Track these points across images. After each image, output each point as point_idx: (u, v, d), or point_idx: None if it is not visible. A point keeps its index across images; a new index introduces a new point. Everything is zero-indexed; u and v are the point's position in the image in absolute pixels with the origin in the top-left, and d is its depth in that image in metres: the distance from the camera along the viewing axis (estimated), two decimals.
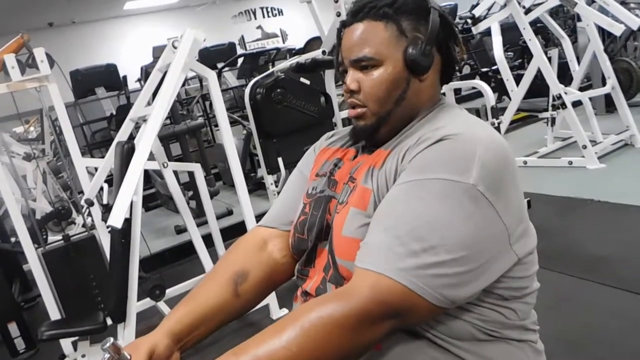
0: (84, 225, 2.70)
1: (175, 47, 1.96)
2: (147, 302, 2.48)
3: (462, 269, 0.69)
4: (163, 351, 0.83)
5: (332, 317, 0.68)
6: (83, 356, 2.01)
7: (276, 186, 2.50)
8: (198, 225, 2.63)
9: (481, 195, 0.70)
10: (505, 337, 0.79)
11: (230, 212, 4.02)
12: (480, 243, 0.70)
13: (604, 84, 4.06)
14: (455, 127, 0.77)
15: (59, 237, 2.44)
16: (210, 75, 2.12)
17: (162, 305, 2.50)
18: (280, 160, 2.44)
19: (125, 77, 5.63)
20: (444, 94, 0.95)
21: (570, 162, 3.61)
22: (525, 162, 3.80)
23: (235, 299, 0.92)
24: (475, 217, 0.70)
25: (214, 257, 2.67)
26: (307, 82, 2.45)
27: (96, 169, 2.44)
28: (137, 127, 2.33)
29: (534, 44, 3.56)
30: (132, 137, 2.26)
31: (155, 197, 4.69)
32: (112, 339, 0.74)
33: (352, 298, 0.68)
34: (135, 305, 1.92)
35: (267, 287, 0.97)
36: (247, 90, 2.39)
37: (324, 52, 2.44)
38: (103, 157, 3.80)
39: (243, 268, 0.94)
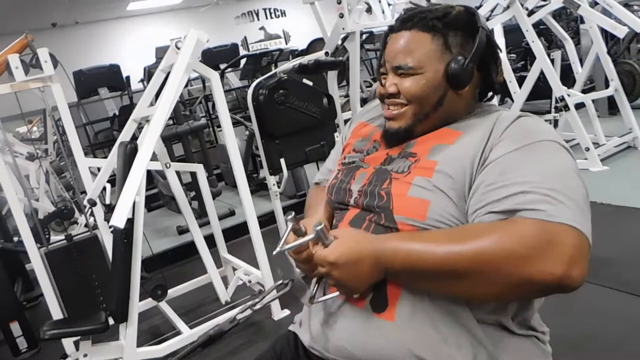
0: (86, 225, 2.70)
1: (178, 48, 1.96)
2: (149, 302, 2.49)
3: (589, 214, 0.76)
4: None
5: (528, 237, 0.71)
6: (85, 356, 2.00)
7: (278, 187, 2.50)
8: (200, 225, 2.64)
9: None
10: (518, 329, 0.85)
11: (232, 213, 4.02)
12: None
13: (607, 86, 4.05)
14: (512, 111, 0.89)
15: (62, 236, 2.45)
16: (213, 76, 2.13)
17: (163, 306, 2.51)
18: (282, 161, 2.44)
19: (128, 78, 5.64)
20: None
21: None
22: None
23: None
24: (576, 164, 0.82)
25: (216, 257, 2.68)
26: (310, 83, 2.45)
27: (99, 169, 2.45)
28: (139, 128, 2.34)
29: (536, 45, 3.55)
30: (134, 138, 2.27)
31: (157, 197, 4.70)
32: (293, 213, 0.88)
33: (563, 252, 0.70)
34: (137, 305, 1.92)
35: None
36: (250, 91, 2.39)
37: (326, 54, 2.44)
38: (106, 157, 3.81)
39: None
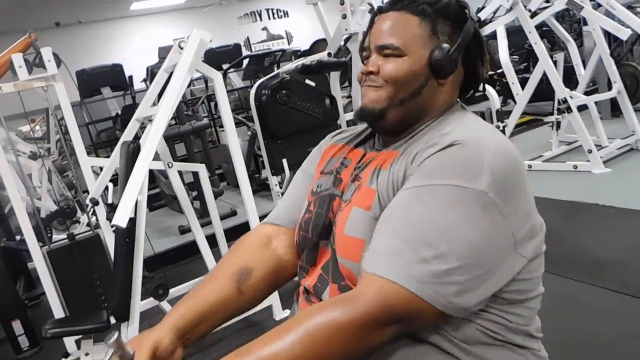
0: (88, 225, 2.71)
1: (181, 48, 1.97)
2: (151, 302, 2.49)
3: (471, 275, 0.69)
4: (167, 346, 0.83)
5: (336, 321, 0.68)
6: (86, 354, 2.01)
7: (280, 187, 2.50)
8: (202, 225, 2.64)
9: (491, 202, 0.70)
10: (509, 342, 0.78)
11: (234, 213, 4.02)
12: (489, 249, 0.70)
13: (609, 88, 4.05)
14: (464, 132, 0.77)
15: (64, 235, 2.45)
16: (216, 76, 2.13)
17: (165, 305, 2.51)
18: (284, 161, 2.45)
19: (131, 77, 5.64)
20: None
21: (576, 166, 3.59)
22: (530, 166, 3.79)
23: (238, 296, 0.91)
24: (485, 224, 0.70)
25: (218, 257, 2.68)
26: (313, 83, 2.46)
27: (101, 169, 2.45)
28: (142, 127, 2.34)
29: (539, 47, 3.55)
30: (137, 137, 2.27)
31: (159, 197, 4.70)
32: (116, 334, 0.74)
33: (358, 302, 0.68)
34: (138, 305, 1.92)
35: (271, 284, 0.97)
36: (253, 92, 2.40)
37: (329, 54, 2.45)
38: (108, 156, 3.82)
39: (247, 265, 0.94)
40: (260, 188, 4.39)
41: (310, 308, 0.74)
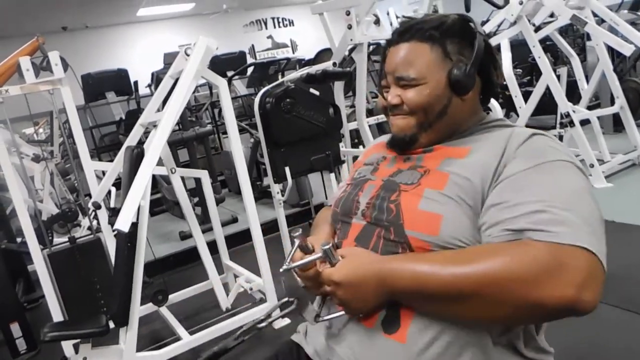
0: (89, 228, 2.71)
1: (187, 55, 1.98)
2: (150, 307, 2.49)
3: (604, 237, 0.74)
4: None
5: (538, 259, 0.69)
6: (84, 359, 2.00)
7: (282, 195, 2.50)
8: (203, 231, 2.64)
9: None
10: (528, 351, 0.84)
11: (235, 220, 4.03)
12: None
13: (612, 103, 4.05)
14: (526, 128, 0.88)
15: (65, 238, 2.45)
16: (221, 83, 2.14)
17: (164, 311, 2.50)
18: (287, 169, 2.45)
19: (136, 83, 5.68)
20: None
21: None
22: None
23: None
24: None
25: (218, 263, 2.68)
26: (317, 93, 2.47)
27: (104, 172, 2.46)
28: (146, 133, 2.35)
29: (543, 61, 3.56)
30: (141, 142, 2.28)
31: (160, 202, 4.71)
32: (301, 230, 0.88)
33: (574, 276, 0.68)
34: (138, 310, 1.92)
35: None
36: (257, 100, 2.41)
37: (334, 64, 2.46)
38: (111, 160, 3.82)
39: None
40: (262, 195, 4.40)
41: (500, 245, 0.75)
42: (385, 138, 1.09)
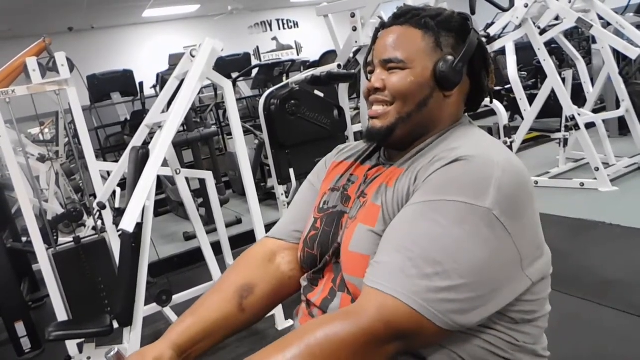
0: (94, 228, 2.72)
1: (193, 56, 1.99)
2: (154, 307, 2.49)
3: (474, 294, 0.68)
4: None
5: (338, 336, 0.67)
6: (88, 358, 2.02)
7: (286, 197, 2.51)
8: (207, 232, 2.65)
9: (496, 220, 0.69)
10: None
11: (239, 221, 4.03)
12: (493, 268, 0.70)
13: (618, 106, 4.04)
14: (470, 148, 0.76)
15: (70, 238, 2.46)
16: (227, 85, 2.15)
17: (168, 311, 2.51)
18: (291, 171, 2.45)
19: (141, 84, 5.71)
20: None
21: (582, 184, 3.58)
22: (536, 182, 3.78)
23: (240, 313, 0.91)
24: (490, 242, 0.69)
25: (222, 265, 2.68)
26: (321, 94, 2.47)
27: (108, 173, 2.47)
28: (151, 134, 2.36)
29: (548, 64, 3.56)
30: (146, 143, 2.29)
31: (164, 202, 4.72)
32: (116, 348, 0.73)
33: (360, 318, 0.68)
34: (142, 310, 1.93)
35: (273, 300, 0.97)
36: (262, 101, 2.41)
37: (339, 66, 2.46)
38: (116, 161, 3.84)
39: (249, 281, 0.94)
40: (266, 197, 4.40)
41: (311, 322, 0.74)
42: (345, 152, 1.03)
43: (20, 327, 2.48)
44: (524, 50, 4.58)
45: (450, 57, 0.83)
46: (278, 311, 2.39)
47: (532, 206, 0.75)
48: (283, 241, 1.00)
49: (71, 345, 2.31)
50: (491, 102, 0.88)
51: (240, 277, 0.95)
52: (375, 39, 0.91)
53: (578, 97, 4.15)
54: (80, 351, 2.20)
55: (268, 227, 2.48)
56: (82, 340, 2.13)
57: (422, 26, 0.85)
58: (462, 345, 0.73)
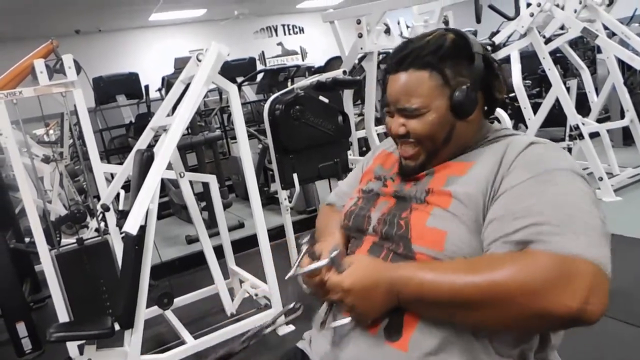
0: (96, 230, 2.73)
1: (199, 60, 2.00)
2: (155, 310, 2.49)
3: (608, 240, 0.75)
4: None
5: (525, 280, 0.70)
6: None
7: (289, 201, 2.51)
8: (209, 236, 2.65)
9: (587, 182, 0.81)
10: None
11: (241, 225, 4.03)
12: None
13: (622, 116, 4.04)
14: (527, 136, 0.89)
15: (72, 240, 2.47)
16: (232, 89, 2.16)
17: (169, 314, 2.51)
18: (295, 176, 2.46)
19: (147, 87, 5.73)
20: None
21: None
22: None
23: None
24: (595, 199, 0.79)
25: (224, 268, 2.68)
26: (326, 100, 2.48)
27: (112, 175, 2.48)
28: (156, 137, 2.37)
29: (553, 73, 3.56)
30: (150, 146, 2.30)
31: (167, 205, 4.73)
32: (309, 236, 0.90)
33: (541, 271, 0.70)
34: (143, 313, 1.92)
35: None
36: (267, 106, 2.42)
37: (344, 72, 2.47)
38: (120, 163, 3.85)
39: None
40: (269, 201, 4.41)
41: (499, 257, 0.76)
42: (392, 146, 1.10)
43: (21, 328, 2.48)
44: (529, 58, 4.58)
45: (463, 88, 0.87)
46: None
47: None
48: (335, 206, 1.20)
49: (72, 347, 2.31)
50: (510, 107, 0.98)
51: (334, 214, 1.14)
52: (384, 86, 0.96)
53: (582, 106, 4.15)
54: (81, 353, 2.19)
55: (271, 231, 2.50)
56: (83, 341, 2.13)
57: (426, 66, 0.88)
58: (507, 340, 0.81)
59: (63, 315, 2.28)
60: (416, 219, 0.89)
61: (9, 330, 2.49)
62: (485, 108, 0.96)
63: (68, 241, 2.94)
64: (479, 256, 0.80)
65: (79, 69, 2.26)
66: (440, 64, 0.87)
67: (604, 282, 0.70)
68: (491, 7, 3.43)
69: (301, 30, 10.45)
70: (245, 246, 3.36)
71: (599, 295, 0.68)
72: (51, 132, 5.90)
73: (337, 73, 2.43)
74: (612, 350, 1.92)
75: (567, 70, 5.48)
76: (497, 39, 3.84)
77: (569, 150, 3.95)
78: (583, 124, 3.59)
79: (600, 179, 3.49)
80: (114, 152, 5.82)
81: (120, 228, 2.23)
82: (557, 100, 3.62)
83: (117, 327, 1.94)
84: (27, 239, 3.17)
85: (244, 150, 2.21)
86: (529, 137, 0.86)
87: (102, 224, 2.53)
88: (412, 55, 0.89)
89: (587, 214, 0.75)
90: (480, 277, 0.73)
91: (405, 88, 0.89)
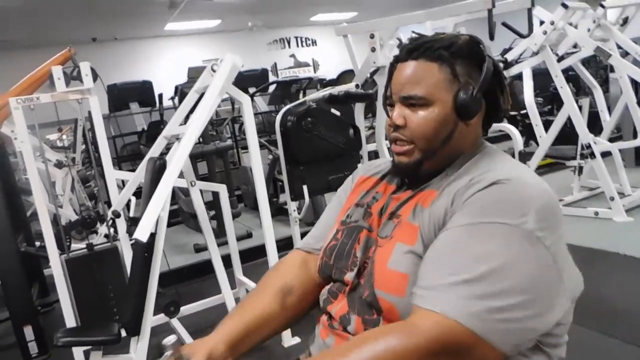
0: (106, 236, 2.74)
1: (214, 71, 2.02)
2: (161, 318, 2.49)
3: (526, 313, 0.70)
4: (219, 355, 0.87)
5: (398, 347, 0.69)
6: None
7: (299, 213, 2.51)
8: (217, 245, 2.65)
9: (538, 241, 0.72)
10: None
11: (249, 235, 4.04)
12: (541, 288, 0.72)
13: (635, 136, 4.01)
14: (505, 171, 0.79)
15: (81, 245, 2.48)
16: (245, 100, 2.18)
17: (175, 322, 2.51)
18: (305, 187, 2.46)
19: (160, 95, 5.79)
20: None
21: (597, 213, 3.54)
22: None
23: (282, 311, 0.96)
24: (535, 262, 0.72)
25: (231, 278, 2.68)
26: (338, 113, 2.49)
27: (123, 182, 2.50)
28: (168, 146, 2.39)
29: (565, 91, 3.55)
30: (162, 154, 2.32)
31: (176, 213, 4.75)
32: (175, 337, 0.78)
33: (418, 334, 0.70)
34: (150, 320, 1.93)
35: (310, 301, 1.00)
36: (279, 117, 2.44)
37: (357, 86, 2.49)
38: (131, 169, 3.88)
39: (288, 282, 0.99)
40: (278, 212, 4.41)
41: (369, 332, 0.77)
42: (372, 169, 1.05)
43: (28, 332, 2.49)
44: (541, 75, 4.57)
45: (468, 88, 0.84)
46: None
47: (563, 226, 0.78)
48: (312, 253, 1.04)
49: (77, 352, 2.32)
50: (500, 121, 0.88)
51: (280, 278, 1.01)
52: (391, 73, 0.92)
53: (594, 125, 4.12)
54: (87, 358, 2.20)
55: (279, 242, 2.51)
56: (89, 347, 2.13)
57: (437, 58, 0.85)
58: None
59: (70, 320, 2.29)
60: (379, 259, 0.84)
61: (16, 334, 2.50)
62: (484, 123, 0.92)
63: (78, 246, 2.96)
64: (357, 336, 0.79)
65: (95, 76, 2.29)
66: (452, 59, 0.85)
67: (449, 340, 0.69)
68: (504, 24, 3.44)
69: (314, 42, 10.54)
70: (253, 256, 3.36)
71: (433, 347, 0.69)
72: (64, 137, 5.97)
73: (350, 86, 2.45)
74: None
75: (580, 89, 5.46)
76: (510, 56, 3.85)
77: (580, 169, 3.93)
78: (595, 142, 3.57)
79: (612, 198, 3.46)
80: (125, 158, 5.88)
81: (131, 235, 2.24)
82: (569, 119, 3.61)
83: (123, 333, 1.94)
84: (37, 243, 3.20)
85: (255, 161, 2.23)
86: (497, 174, 0.78)
87: (112, 230, 2.54)
88: (424, 46, 0.87)
89: (478, 269, 0.70)
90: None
91: (413, 75, 0.86)
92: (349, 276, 0.89)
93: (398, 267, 0.81)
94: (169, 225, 4.66)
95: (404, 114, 0.87)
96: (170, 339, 0.77)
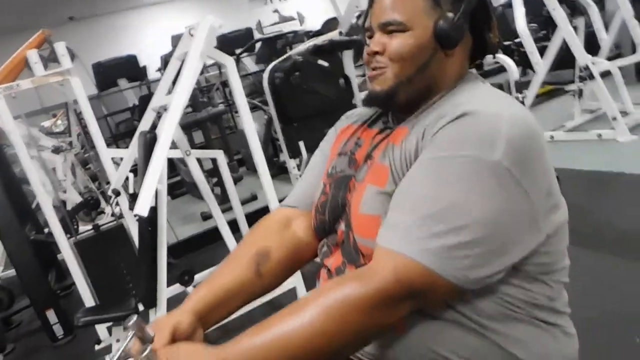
0: (112, 215, 2.77)
1: (192, 35, 1.96)
2: (177, 288, 2.54)
3: (485, 248, 0.68)
4: (186, 328, 0.83)
5: (352, 297, 0.68)
6: (117, 341, 2.07)
7: (298, 170, 2.51)
8: (223, 211, 2.66)
9: (507, 172, 0.69)
10: (534, 318, 0.77)
11: (254, 197, 4.05)
12: (504, 222, 0.69)
13: (634, 51, 3.91)
14: (477, 103, 0.75)
15: (89, 226, 2.51)
16: (229, 62, 2.12)
17: (191, 291, 2.55)
18: (301, 144, 2.44)
19: (145, 68, 5.69)
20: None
21: (600, 135, 3.50)
22: (552, 137, 3.70)
23: (257, 279, 0.91)
24: (500, 196, 0.69)
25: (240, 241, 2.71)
26: (326, 64, 2.43)
27: (122, 159, 2.49)
28: (159, 117, 2.36)
29: (558, 13, 3.44)
30: (155, 127, 2.29)
31: (181, 184, 4.77)
32: (135, 317, 0.72)
33: (373, 279, 0.68)
34: (165, 291, 1.96)
35: (290, 265, 0.96)
36: (266, 75, 2.39)
37: (340, 33, 2.41)
38: (128, 147, 3.87)
39: (265, 247, 0.94)
40: (280, 172, 4.40)
41: (326, 285, 0.76)
42: (351, 117, 1.02)
43: (51, 315, 2.57)
44: (532, 1, 4.42)
45: (450, 14, 0.80)
46: (299, 283, 2.42)
47: (544, 158, 0.74)
48: (297, 209, 0.99)
49: (101, 329, 2.38)
50: (494, 56, 0.82)
51: (255, 244, 0.95)
52: (371, 2, 0.87)
53: (592, 45, 4.01)
54: (110, 334, 2.27)
55: (282, 201, 2.51)
56: (111, 323, 2.19)
57: None
58: (474, 301, 0.73)
59: (89, 299, 2.34)
60: (354, 204, 0.83)
61: (40, 318, 2.57)
62: (472, 57, 0.88)
63: (86, 228, 2.99)
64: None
65: (72, 55, 2.24)
66: None
67: (400, 270, 0.68)
68: None
69: None
70: (260, 218, 3.38)
71: (391, 285, 0.68)
72: (59, 122, 5.93)
73: (334, 35, 2.38)
74: (633, 293, 1.90)
75: (574, 9, 5.28)
76: None
77: (580, 92, 3.85)
78: (593, 63, 3.48)
79: (614, 118, 3.41)
80: (121, 136, 5.85)
81: (133, 211, 2.25)
82: (565, 42, 3.51)
83: (141, 307, 1.99)
84: (46, 230, 3.24)
85: (248, 124, 2.19)
86: (468, 106, 0.73)
87: (117, 209, 2.56)
88: None
89: (447, 209, 0.68)
90: (298, 326, 0.69)
91: (393, 1, 0.82)
92: (340, 227, 0.88)
93: (370, 211, 0.79)
94: (176, 196, 4.74)
95: (382, 41, 0.83)
96: (131, 319, 0.72)
